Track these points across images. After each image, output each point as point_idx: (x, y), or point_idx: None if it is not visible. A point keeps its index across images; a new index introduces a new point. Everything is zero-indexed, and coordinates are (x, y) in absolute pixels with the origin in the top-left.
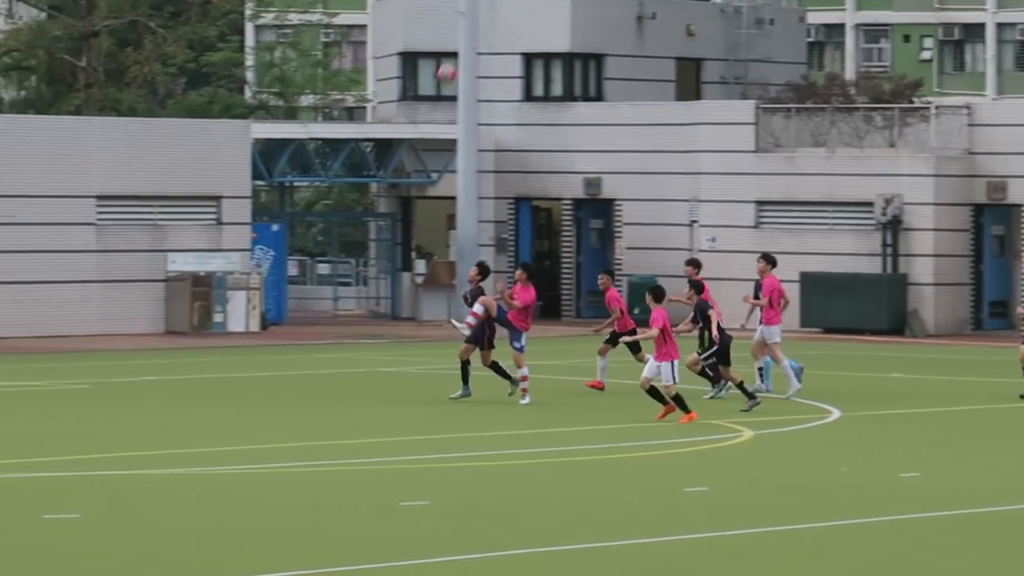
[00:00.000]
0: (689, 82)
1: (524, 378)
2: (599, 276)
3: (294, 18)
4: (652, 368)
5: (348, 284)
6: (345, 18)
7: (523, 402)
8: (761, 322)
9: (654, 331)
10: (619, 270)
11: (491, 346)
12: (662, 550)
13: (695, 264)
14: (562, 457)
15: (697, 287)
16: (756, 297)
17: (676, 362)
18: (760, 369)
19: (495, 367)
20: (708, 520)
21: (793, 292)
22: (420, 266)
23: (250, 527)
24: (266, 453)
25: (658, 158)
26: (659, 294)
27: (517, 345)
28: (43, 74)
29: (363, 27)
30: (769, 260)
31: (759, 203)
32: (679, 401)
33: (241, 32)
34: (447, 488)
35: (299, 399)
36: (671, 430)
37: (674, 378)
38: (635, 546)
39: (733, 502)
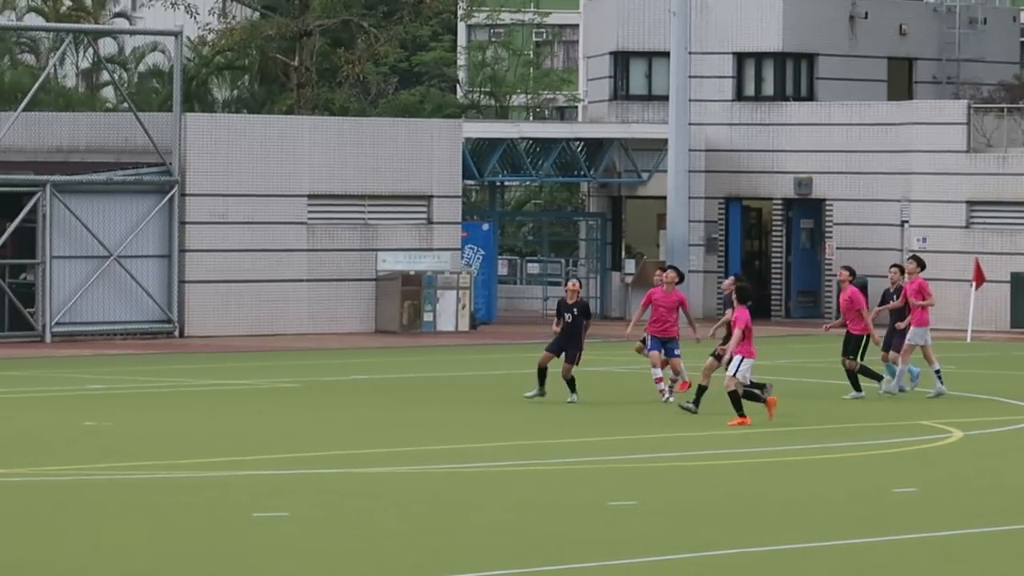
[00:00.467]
0: (901, 82)
1: (658, 379)
2: (840, 270)
3: (506, 17)
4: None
5: (558, 284)
6: (557, 17)
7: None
8: (912, 324)
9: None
10: (829, 270)
11: (575, 361)
12: (872, 550)
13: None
14: (770, 458)
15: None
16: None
17: (751, 361)
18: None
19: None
20: (918, 520)
21: (1004, 293)
22: (630, 266)
23: (459, 525)
24: (474, 452)
25: (869, 158)
26: (744, 294)
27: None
28: (256, 74)
29: (575, 26)
30: (920, 263)
31: (970, 203)
32: (736, 401)
33: (453, 31)
34: (655, 488)
35: (507, 398)
36: (879, 431)
37: (738, 374)
38: (844, 546)
39: (943, 503)
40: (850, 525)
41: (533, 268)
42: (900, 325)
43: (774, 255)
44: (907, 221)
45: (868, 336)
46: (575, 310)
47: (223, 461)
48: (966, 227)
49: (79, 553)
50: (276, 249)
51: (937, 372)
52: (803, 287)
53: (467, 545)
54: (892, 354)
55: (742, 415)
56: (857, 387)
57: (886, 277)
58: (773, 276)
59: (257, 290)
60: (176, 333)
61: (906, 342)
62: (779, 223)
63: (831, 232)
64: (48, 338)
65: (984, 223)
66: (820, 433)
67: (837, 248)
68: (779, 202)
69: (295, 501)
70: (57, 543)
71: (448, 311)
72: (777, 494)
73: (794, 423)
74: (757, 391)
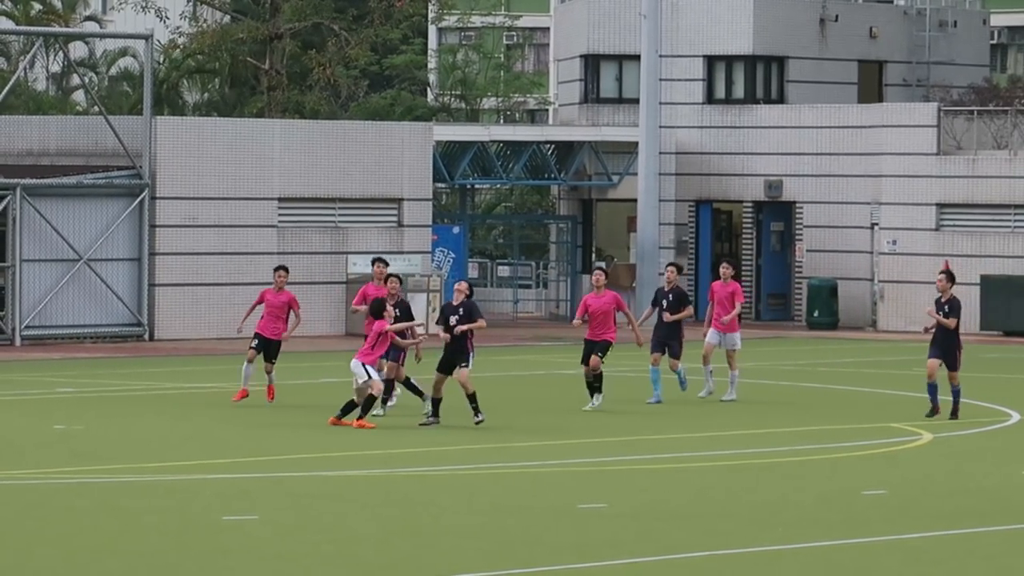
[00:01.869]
0: (871, 84)
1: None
2: None
3: (477, 21)
4: None
5: (528, 287)
6: (527, 21)
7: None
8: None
9: None
10: (799, 273)
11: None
12: (841, 553)
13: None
14: (739, 460)
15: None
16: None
17: None
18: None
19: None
20: (887, 523)
21: (974, 295)
22: None
23: (430, 529)
24: (443, 455)
25: (839, 160)
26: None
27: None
28: (226, 77)
29: (545, 30)
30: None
31: (940, 206)
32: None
33: (424, 35)
34: (625, 490)
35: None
36: (849, 433)
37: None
38: (814, 549)
39: (912, 505)
40: (820, 527)
41: (504, 271)
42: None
43: (744, 258)
44: (877, 224)
45: None
46: (459, 311)
47: (192, 464)
48: (936, 230)
49: (49, 557)
50: (246, 252)
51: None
52: (773, 290)
53: (438, 548)
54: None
55: None
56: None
57: (857, 280)
58: (743, 279)
59: (227, 293)
60: (146, 336)
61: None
62: (749, 226)
63: (801, 235)
64: (18, 341)
65: (954, 226)
66: (789, 436)
67: (807, 251)
68: (749, 205)
69: (265, 504)
70: (27, 547)
71: (418, 314)
72: (747, 496)
73: (763, 426)
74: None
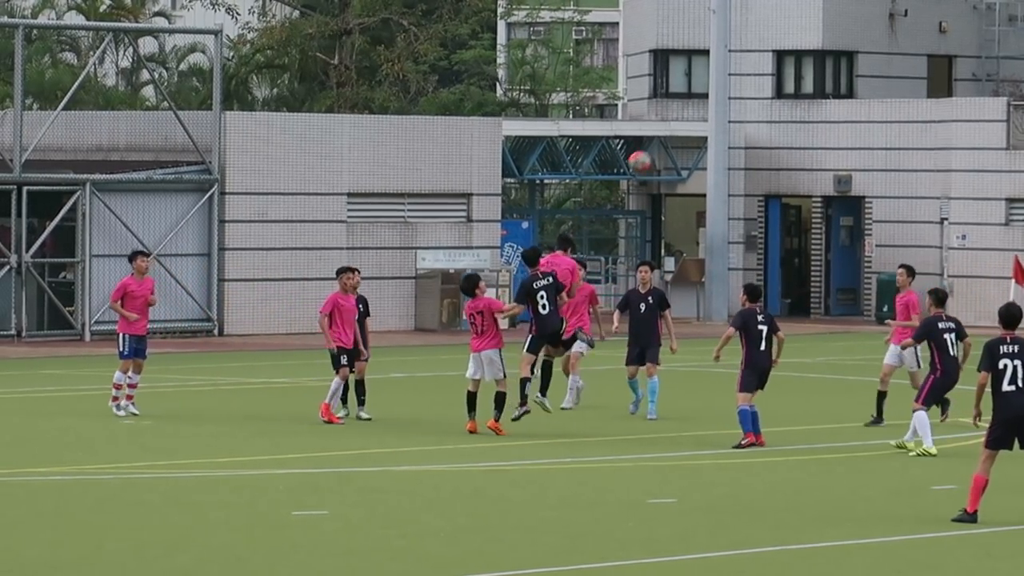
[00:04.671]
0: (941, 79)
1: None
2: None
3: (546, 15)
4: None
5: (597, 281)
6: (597, 15)
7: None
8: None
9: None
10: (868, 268)
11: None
12: (912, 548)
13: None
14: (809, 455)
15: None
16: None
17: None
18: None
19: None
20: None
21: None
22: (669, 263)
23: (499, 523)
24: (514, 450)
25: (909, 155)
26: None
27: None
28: (295, 72)
29: (615, 24)
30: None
31: (1010, 200)
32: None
33: (493, 30)
34: (695, 486)
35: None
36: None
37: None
38: (884, 544)
39: (983, 500)
40: (889, 522)
41: None
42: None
43: (813, 253)
44: (947, 218)
45: None
46: (359, 307)
47: (261, 460)
48: (1006, 224)
49: (119, 551)
50: (315, 247)
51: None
52: (842, 285)
53: (507, 543)
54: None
55: None
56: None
57: (926, 275)
58: (812, 274)
59: (296, 288)
60: (215, 331)
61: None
62: (818, 220)
63: (870, 229)
64: (87, 336)
65: None
66: (858, 431)
67: (876, 246)
68: (818, 199)
69: (334, 500)
70: (97, 542)
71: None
72: (816, 491)
73: (832, 421)
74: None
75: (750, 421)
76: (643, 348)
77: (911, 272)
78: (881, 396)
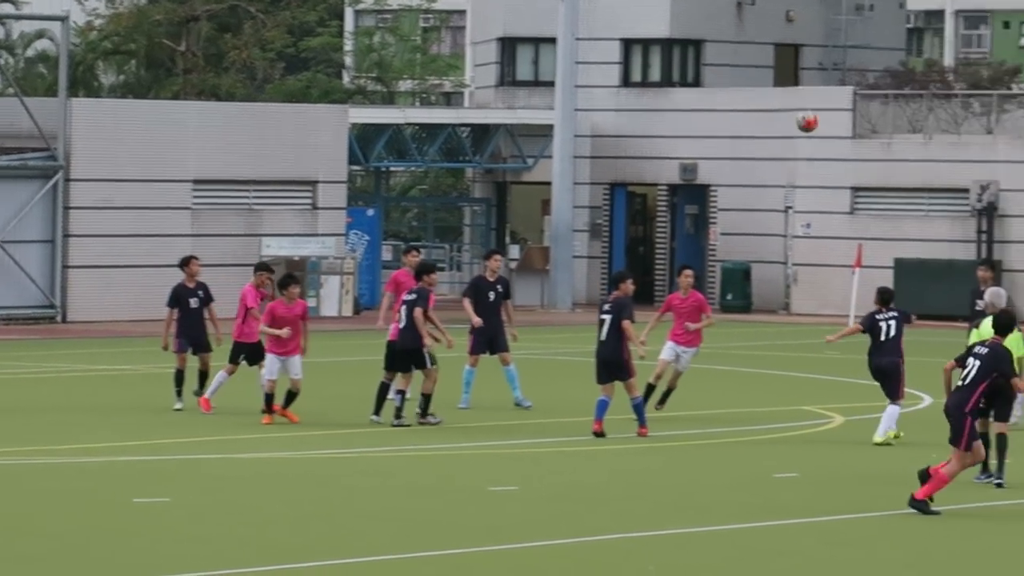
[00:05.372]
0: (788, 68)
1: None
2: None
3: (393, 3)
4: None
5: (442, 269)
6: (444, 3)
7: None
8: None
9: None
10: (713, 256)
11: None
12: (756, 535)
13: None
14: (652, 443)
15: None
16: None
17: None
18: None
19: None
20: (800, 506)
21: (887, 278)
22: (514, 251)
23: (345, 511)
24: (357, 437)
25: (754, 144)
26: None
27: None
28: (143, 59)
29: (462, 12)
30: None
31: (855, 189)
32: None
33: (340, 17)
34: (537, 473)
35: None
36: (761, 416)
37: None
38: (728, 531)
39: (825, 488)
40: (732, 510)
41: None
42: None
43: (658, 241)
44: (791, 207)
45: None
46: (199, 294)
47: (105, 447)
48: (850, 213)
49: None
50: (160, 234)
51: None
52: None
53: (352, 530)
54: None
55: None
56: None
57: (770, 263)
58: (657, 261)
59: (141, 275)
60: (59, 318)
61: None
62: (664, 209)
63: (715, 218)
64: None
65: (868, 209)
66: (702, 419)
67: (721, 234)
68: (664, 188)
69: (177, 487)
70: None
71: (332, 296)
72: (660, 479)
73: (676, 409)
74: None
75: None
76: (492, 337)
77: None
78: (651, 389)
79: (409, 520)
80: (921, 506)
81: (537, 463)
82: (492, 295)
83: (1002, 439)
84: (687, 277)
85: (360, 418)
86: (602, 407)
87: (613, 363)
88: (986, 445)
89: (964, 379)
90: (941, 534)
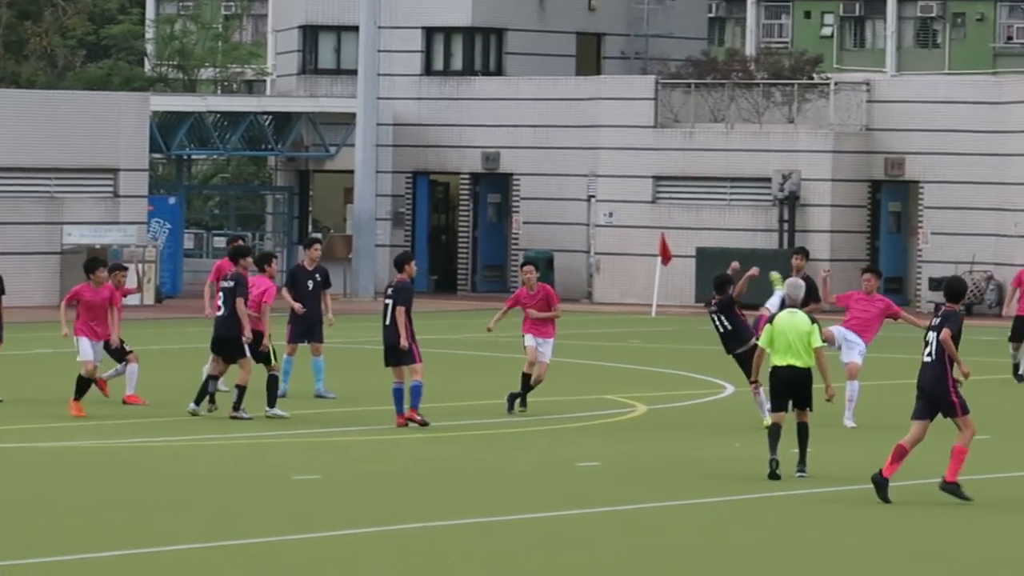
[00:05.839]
0: (590, 57)
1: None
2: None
3: None
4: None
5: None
6: None
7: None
8: None
9: None
10: (515, 245)
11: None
12: (558, 524)
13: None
14: (456, 431)
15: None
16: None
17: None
18: None
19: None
20: (603, 494)
21: (689, 268)
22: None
23: (147, 500)
24: (158, 426)
25: (557, 133)
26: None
27: None
28: None
29: (264, 0)
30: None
31: (657, 178)
32: None
33: (142, 5)
34: (341, 462)
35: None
36: (565, 405)
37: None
38: (531, 520)
39: (628, 476)
40: (536, 499)
41: (220, 242)
42: None
43: (461, 229)
44: (594, 196)
45: None
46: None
47: None
48: (653, 202)
49: None
50: None
51: None
52: (489, 261)
53: (155, 519)
54: None
55: None
56: None
57: (573, 252)
58: (460, 250)
59: None
60: None
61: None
62: (466, 198)
63: (518, 207)
64: None
65: (670, 198)
66: (505, 407)
67: (524, 223)
68: (467, 176)
69: None
70: None
71: (133, 285)
72: (464, 468)
73: (480, 397)
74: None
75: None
76: (311, 326)
77: (538, 268)
78: (526, 378)
79: (213, 509)
80: (953, 489)
81: (342, 451)
82: (311, 284)
83: (804, 427)
84: (527, 273)
85: (163, 407)
86: (398, 396)
87: (398, 347)
88: (777, 437)
89: (930, 355)
90: (739, 522)
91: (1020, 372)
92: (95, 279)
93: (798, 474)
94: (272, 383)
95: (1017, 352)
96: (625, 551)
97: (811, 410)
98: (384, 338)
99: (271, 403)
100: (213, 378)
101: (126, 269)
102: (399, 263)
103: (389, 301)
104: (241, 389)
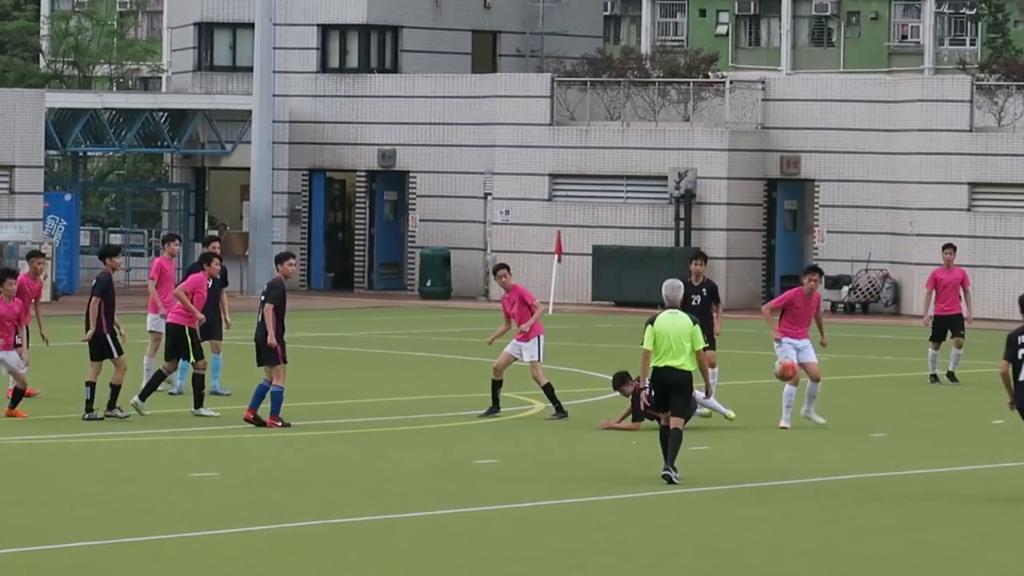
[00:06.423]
0: (485, 55)
1: None
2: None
3: None
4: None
5: (141, 255)
6: None
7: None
8: None
9: None
10: (412, 243)
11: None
12: (455, 521)
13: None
14: (352, 428)
15: None
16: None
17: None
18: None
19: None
20: (500, 492)
21: (586, 265)
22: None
23: (42, 497)
24: (50, 424)
25: (453, 130)
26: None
27: None
28: None
29: None
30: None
31: (553, 176)
32: None
33: (36, 1)
34: (237, 460)
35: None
36: (462, 403)
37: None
38: (427, 518)
39: (525, 474)
40: (433, 496)
41: (116, 239)
42: None
43: (357, 227)
44: (490, 194)
45: None
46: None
47: None
48: (549, 200)
49: None
50: None
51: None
52: (386, 259)
53: (50, 517)
54: None
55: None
56: None
57: (470, 250)
58: (356, 248)
59: None
60: None
61: None
62: (363, 195)
63: (415, 204)
64: None
65: (567, 196)
66: (403, 405)
67: (420, 220)
68: (363, 174)
69: None
70: None
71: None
72: (360, 466)
73: (377, 395)
74: None
75: None
76: (209, 324)
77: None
78: (496, 385)
79: (108, 506)
80: None
81: (236, 449)
82: (209, 283)
83: (676, 433)
84: (503, 277)
85: (58, 403)
86: (260, 392)
87: (261, 347)
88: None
89: None
90: (636, 519)
91: (948, 371)
92: (5, 292)
93: (665, 475)
94: (198, 381)
95: (938, 352)
96: (522, 549)
97: (686, 420)
98: (255, 336)
99: (198, 403)
100: (89, 384)
101: (44, 255)
102: (277, 261)
103: (263, 298)
104: (114, 388)
